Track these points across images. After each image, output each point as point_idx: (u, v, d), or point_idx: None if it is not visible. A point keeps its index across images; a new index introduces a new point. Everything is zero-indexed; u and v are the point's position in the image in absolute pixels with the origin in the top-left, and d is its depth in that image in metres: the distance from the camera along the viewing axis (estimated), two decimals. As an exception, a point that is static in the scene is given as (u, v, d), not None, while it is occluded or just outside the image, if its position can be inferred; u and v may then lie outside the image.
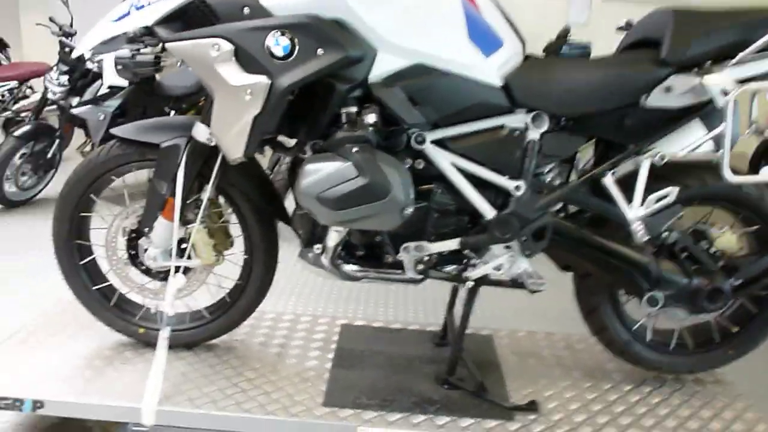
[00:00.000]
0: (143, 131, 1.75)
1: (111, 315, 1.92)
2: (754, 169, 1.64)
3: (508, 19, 1.65)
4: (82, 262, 1.88)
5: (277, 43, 1.45)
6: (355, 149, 1.50)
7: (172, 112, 4.26)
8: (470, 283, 1.74)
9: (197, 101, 4.38)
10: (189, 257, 1.80)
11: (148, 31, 1.54)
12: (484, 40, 1.58)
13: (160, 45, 1.67)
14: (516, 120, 1.63)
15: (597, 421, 1.72)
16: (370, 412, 1.68)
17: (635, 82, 1.59)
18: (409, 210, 1.56)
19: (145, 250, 1.81)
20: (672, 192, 1.62)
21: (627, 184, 1.64)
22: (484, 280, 1.72)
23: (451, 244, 1.68)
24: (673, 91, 1.58)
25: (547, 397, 1.81)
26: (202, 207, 1.74)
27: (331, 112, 1.54)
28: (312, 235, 1.73)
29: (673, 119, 1.61)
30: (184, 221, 1.76)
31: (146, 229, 1.78)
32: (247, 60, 1.45)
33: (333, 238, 1.66)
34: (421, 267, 1.70)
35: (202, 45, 1.46)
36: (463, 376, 1.83)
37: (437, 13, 1.53)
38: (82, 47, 1.65)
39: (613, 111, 1.62)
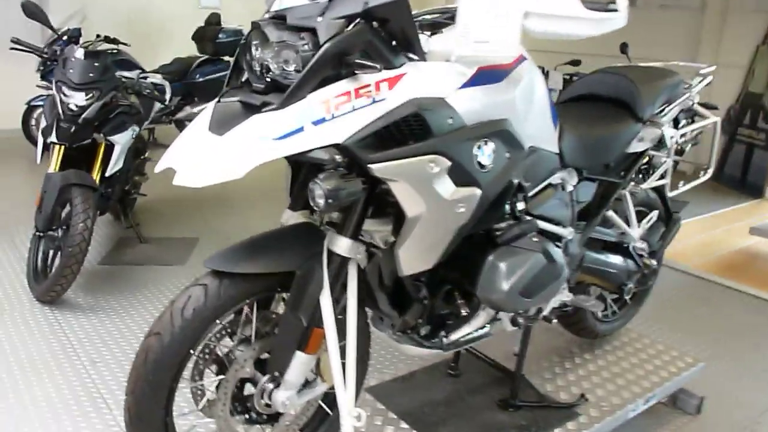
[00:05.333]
0: (255, 261, 1.42)
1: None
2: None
3: None
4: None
5: (483, 153, 1.42)
6: (535, 239, 1.59)
7: None
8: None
9: None
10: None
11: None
12: (554, 116, 1.80)
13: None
14: (557, 177, 1.91)
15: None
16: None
17: (625, 137, 2.06)
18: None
19: (262, 395, 1.50)
20: (654, 215, 2.19)
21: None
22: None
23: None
24: (644, 140, 2.11)
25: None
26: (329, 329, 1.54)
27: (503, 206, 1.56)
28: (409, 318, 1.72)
29: (637, 158, 2.16)
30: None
31: (276, 373, 1.47)
32: (459, 172, 1.38)
33: (482, 317, 1.70)
34: (518, 320, 1.88)
35: (419, 162, 1.32)
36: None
37: (540, 109, 1.67)
38: (237, 170, 1.21)
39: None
